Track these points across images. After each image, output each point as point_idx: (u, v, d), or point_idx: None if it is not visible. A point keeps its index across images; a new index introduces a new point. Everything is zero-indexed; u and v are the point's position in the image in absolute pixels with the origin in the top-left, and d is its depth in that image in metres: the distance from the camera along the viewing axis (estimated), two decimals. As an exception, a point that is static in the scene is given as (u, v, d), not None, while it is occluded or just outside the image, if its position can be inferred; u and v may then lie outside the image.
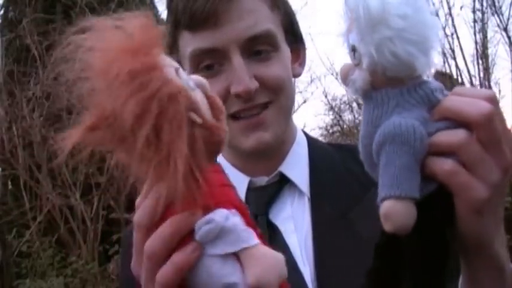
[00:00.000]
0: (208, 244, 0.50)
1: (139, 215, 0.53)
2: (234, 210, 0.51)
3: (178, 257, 0.50)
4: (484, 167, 0.52)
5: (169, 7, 0.92)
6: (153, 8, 6.86)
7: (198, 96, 0.52)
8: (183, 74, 0.52)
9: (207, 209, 0.50)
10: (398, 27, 0.50)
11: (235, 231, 0.50)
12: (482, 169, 0.52)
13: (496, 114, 0.52)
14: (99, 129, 0.49)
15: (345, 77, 0.55)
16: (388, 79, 0.52)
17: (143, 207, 0.52)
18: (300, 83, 7.56)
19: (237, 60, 0.85)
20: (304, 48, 1.01)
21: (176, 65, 0.52)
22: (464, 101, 0.53)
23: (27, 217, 5.22)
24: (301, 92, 7.74)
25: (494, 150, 0.52)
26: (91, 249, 4.93)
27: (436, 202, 0.52)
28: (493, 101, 0.53)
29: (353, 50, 0.53)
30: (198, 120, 0.50)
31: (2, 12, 6.96)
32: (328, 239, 0.87)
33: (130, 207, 4.82)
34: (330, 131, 9.85)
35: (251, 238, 0.50)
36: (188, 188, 0.48)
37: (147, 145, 0.47)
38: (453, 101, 0.53)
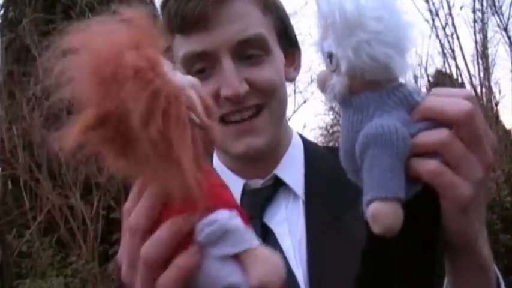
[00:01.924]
0: (209, 245, 0.49)
1: (136, 218, 0.50)
2: (234, 211, 0.51)
3: (182, 260, 0.49)
4: (468, 165, 0.52)
5: (162, 11, 0.92)
6: (153, 7, 6.86)
7: (194, 96, 0.52)
8: (178, 72, 0.52)
9: (207, 210, 0.49)
10: (375, 29, 0.50)
11: (238, 232, 0.49)
12: (466, 167, 0.52)
13: (476, 112, 0.53)
14: (100, 127, 0.46)
15: (323, 84, 0.55)
16: (366, 83, 0.53)
17: (139, 209, 0.50)
18: (300, 83, 7.56)
19: (227, 63, 0.85)
20: (299, 53, 1.01)
21: (167, 63, 0.51)
22: (445, 101, 0.53)
23: (27, 217, 5.22)
24: (301, 92, 7.74)
25: (477, 148, 0.53)
26: (91, 249, 4.93)
27: (421, 203, 0.52)
28: (472, 99, 0.54)
29: (329, 56, 0.53)
30: (197, 120, 0.50)
31: (2, 12, 6.96)
32: (322, 242, 0.87)
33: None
34: (330, 131, 9.86)
35: (253, 239, 0.50)
36: (193, 187, 0.47)
37: (153, 144, 0.45)
38: (434, 101, 0.53)
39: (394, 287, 0.54)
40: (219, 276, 0.49)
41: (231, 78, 0.85)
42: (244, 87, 0.86)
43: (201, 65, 0.88)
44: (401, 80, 0.54)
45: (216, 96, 0.87)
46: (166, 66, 0.49)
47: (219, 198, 0.51)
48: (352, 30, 0.50)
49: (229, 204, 0.52)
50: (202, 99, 0.52)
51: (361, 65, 0.51)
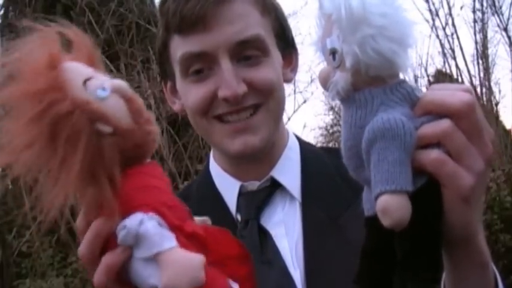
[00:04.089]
0: (134, 246, 0.53)
1: (77, 220, 0.58)
2: (151, 214, 0.53)
3: (107, 258, 0.54)
4: (469, 156, 0.53)
5: (161, 10, 0.92)
6: (153, 7, 6.87)
7: (111, 103, 0.54)
8: (94, 83, 0.54)
9: (126, 213, 0.53)
10: (380, 24, 0.51)
11: (147, 237, 0.52)
12: (467, 158, 0.53)
13: (476, 104, 0.54)
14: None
15: (325, 81, 0.55)
16: (370, 79, 0.53)
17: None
18: (300, 83, 7.55)
19: (226, 64, 0.85)
20: (296, 54, 1.01)
21: (87, 75, 0.54)
22: (445, 93, 0.54)
23: (27, 217, 5.22)
24: (301, 92, 7.73)
25: (477, 140, 0.54)
26: (91, 249, 4.93)
27: (425, 196, 0.53)
28: (471, 92, 0.55)
29: (332, 52, 0.54)
30: (107, 129, 0.53)
31: (2, 12, 6.97)
32: (319, 244, 0.87)
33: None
34: (330, 131, 9.87)
35: (164, 242, 0.52)
36: (98, 196, 0.52)
37: (46, 163, 0.51)
38: (435, 94, 0.55)
39: (397, 282, 0.54)
40: (143, 276, 0.53)
41: (230, 79, 0.85)
42: (242, 88, 0.86)
43: (199, 65, 0.87)
44: (403, 77, 0.55)
45: (214, 96, 0.87)
46: (72, 82, 0.52)
47: (138, 201, 0.54)
48: (357, 25, 0.51)
49: (148, 206, 0.54)
50: (130, 102, 0.56)
51: (366, 60, 0.51)
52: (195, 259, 0.52)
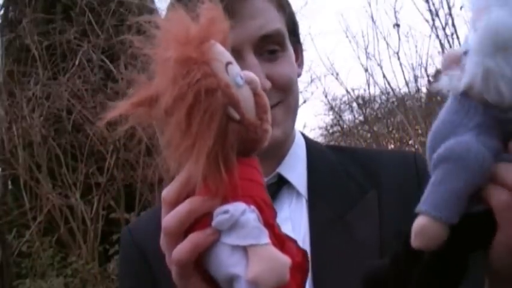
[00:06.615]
0: (224, 232, 0.52)
1: (166, 190, 0.56)
2: (252, 207, 0.53)
3: (196, 236, 0.52)
4: None
5: (178, 4, 0.92)
6: (153, 8, 6.86)
7: (244, 93, 0.55)
8: (234, 69, 0.55)
9: (228, 199, 0.53)
10: None
11: (247, 227, 0.52)
12: None
13: None
14: (143, 106, 0.53)
15: (447, 64, 0.51)
16: (485, 100, 0.48)
17: (172, 183, 0.55)
18: (300, 83, 7.53)
19: (251, 59, 0.86)
20: (301, 49, 1.02)
21: (229, 59, 0.55)
22: None
23: (27, 217, 5.22)
24: (301, 92, 7.70)
25: None
26: (91, 249, 4.93)
27: (473, 224, 0.51)
28: None
29: (465, 51, 0.49)
30: (235, 116, 0.53)
31: (2, 12, 6.97)
32: (326, 241, 0.87)
33: (131, 207, 4.83)
34: (330, 131, 9.86)
35: (261, 237, 0.52)
36: (211, 176, 0.52)
37: (177, 131, 0.51)
38: None
39: None
40: (225, 263, 0.52)
41: (257, 74, 0.85)
42: (268, 83, 0.87)
43: None
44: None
45: None
46: (217, 63, 0.53)
47: (243, 191, 0.54)
48: (494, 50, 0.45)
49: (251, 198, 0.54)
50: (257, 97, 0.57)
51: (484, 92, 0.47)
52: (285, 260, 0.52)
